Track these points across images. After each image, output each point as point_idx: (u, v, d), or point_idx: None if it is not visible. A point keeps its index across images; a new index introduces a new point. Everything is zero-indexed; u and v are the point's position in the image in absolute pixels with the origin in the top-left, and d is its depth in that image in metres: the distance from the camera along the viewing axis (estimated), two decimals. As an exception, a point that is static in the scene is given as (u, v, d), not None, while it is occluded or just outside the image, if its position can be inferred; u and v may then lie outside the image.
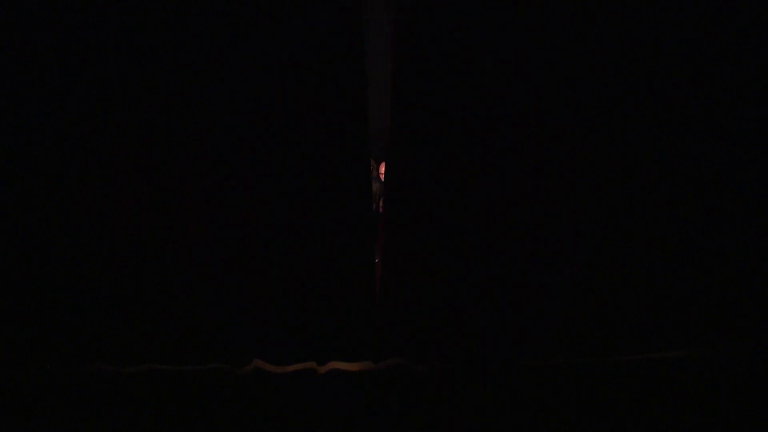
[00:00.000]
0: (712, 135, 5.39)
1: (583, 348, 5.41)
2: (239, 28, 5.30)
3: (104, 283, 5.32)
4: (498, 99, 5.36)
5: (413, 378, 5.12)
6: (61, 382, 5.15)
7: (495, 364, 5.30)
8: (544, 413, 4.57)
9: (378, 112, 9.58)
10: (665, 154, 5.38)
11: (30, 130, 5.30)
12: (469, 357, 5.35)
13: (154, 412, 4.69)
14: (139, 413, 4.67)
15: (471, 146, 5.35)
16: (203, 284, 5.34)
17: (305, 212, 5.34)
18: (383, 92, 9.33)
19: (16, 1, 5.22)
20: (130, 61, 5.30)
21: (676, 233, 5.41)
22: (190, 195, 5.32)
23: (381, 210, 8.72)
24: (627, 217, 5.39)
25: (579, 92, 5.35)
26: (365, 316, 5.39)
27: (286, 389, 5.05)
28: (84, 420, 4.59)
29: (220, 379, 5.21)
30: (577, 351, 5.40)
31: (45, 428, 4.50)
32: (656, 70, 5.35)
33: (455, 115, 5.35)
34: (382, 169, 9.06)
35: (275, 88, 5.32)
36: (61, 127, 5.32)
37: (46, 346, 5.32)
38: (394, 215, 5.39)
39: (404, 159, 5.37)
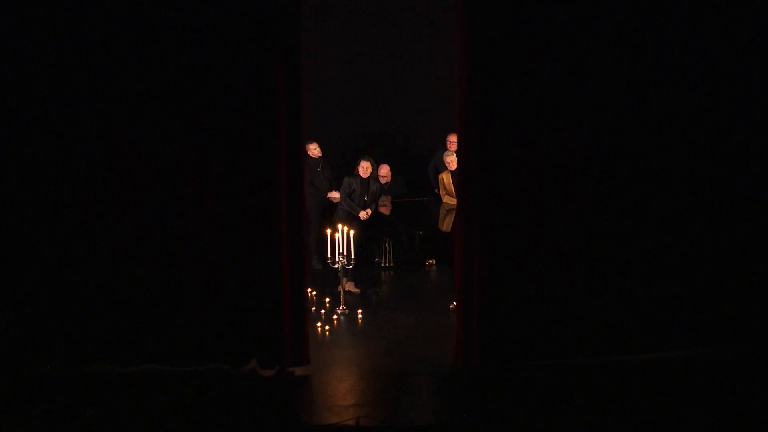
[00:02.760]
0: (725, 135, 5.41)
1: (583, 348, 5.42)
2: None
3: (104, 282, 5.32)
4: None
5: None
6: (61, 382, 5.16)
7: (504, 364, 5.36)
8: (545, 413, 4.57)
9: (379, 113, 9.65)
10: (664, 153, 5.39)
11: None
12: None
13: (154, 412, 4.70)
14: (139, 413, 4.67)
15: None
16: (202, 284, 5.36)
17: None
18: (384, 94, 9.45)
19: None
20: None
21: (677, 233, 5.42)
22: (188, 198, 5.35)
23: (379, 209, 8.78)
24: (628, 216, 5.40)
25: None
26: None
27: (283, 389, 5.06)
28: (84, 420, 4.58)
29: (220, 379, 5.23)
30: (576, 351, 5.42)
31: (45, 428, 4.50)
32: None
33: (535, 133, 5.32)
34: (383, 171, 9.09)
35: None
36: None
37: (46, 346, 5.33)
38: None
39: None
